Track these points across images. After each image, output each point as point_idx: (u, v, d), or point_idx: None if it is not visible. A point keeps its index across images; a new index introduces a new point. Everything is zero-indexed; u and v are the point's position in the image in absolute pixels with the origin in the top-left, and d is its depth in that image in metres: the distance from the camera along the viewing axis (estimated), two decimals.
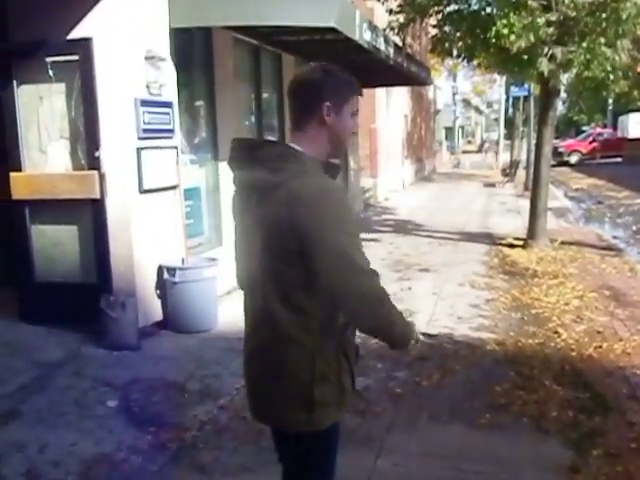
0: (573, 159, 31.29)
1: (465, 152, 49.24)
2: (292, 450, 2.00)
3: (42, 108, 5.45)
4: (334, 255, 1.75)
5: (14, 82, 5.40)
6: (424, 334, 2.11)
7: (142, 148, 5.37)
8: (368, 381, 4.35)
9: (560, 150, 30.85)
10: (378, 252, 9.30)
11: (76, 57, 5.21)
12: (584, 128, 41.98)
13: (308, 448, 1.97)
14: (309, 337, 1.83)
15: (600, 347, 5.09)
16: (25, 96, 5.44)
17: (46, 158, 5.52)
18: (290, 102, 1.94)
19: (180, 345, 5.32)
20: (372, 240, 10.34)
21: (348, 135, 1.97)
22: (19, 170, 5.47)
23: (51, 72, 5.28)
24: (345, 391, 1.93)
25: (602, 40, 7.77)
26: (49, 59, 5.24)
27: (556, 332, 5.48)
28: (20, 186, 5.44)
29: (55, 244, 5.59)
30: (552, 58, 7.93)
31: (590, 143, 32.43)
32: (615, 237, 11.21)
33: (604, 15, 7.54)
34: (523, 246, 9.44)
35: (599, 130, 35.62)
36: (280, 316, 1.83)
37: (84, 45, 5.13)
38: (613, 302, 6.41)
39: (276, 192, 1.79)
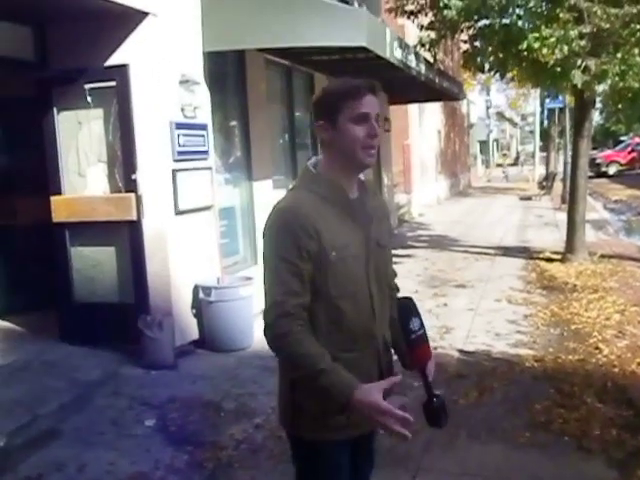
0: (611, 170, 30.66)
1: (500, 165, 48.75)
2: (292, 452, 2.05)
3: (81, 133, 5.60)
4: (264, 269, 1.87)
5: (54, 109, 5.56)
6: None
7: (177, 170, 5.47)
8: (405, 399, 4.29)
9: (598, 161, 30.28)
10: (413, 268, 9.25)
11: (113, 83, 5.36)
12: (622, 138, 41.12)
13: (295, 452, 2.02)
14: None
15: None
16: (65, 122, 5.60)
17: (85, 182, 5.66)
18: None
19: (216, 364, 5.36)
20: (407, 256, 10.30)
21: (359, 144, 1.83)
22: (59, 194, 5.61)
23: (89, 98, 5.42)
24: (330, 412, 1.84)
25: (637, 51, 7.65)
26: (87, 86, 5.39)
27: (597, 348, 5.35)
28: (60, 209, 5.58)
29: (94, 265, 5.71)
30: (586, 70, 7.83)
31: (629, 153, 31.74)
32: None
33: (638, 26, 7.42)
34: (561, 260, 9.28)
35: (638, 140, 34.84)
36: None
37: (121, 71, 5.27)
38: None
39: None
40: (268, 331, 1.81)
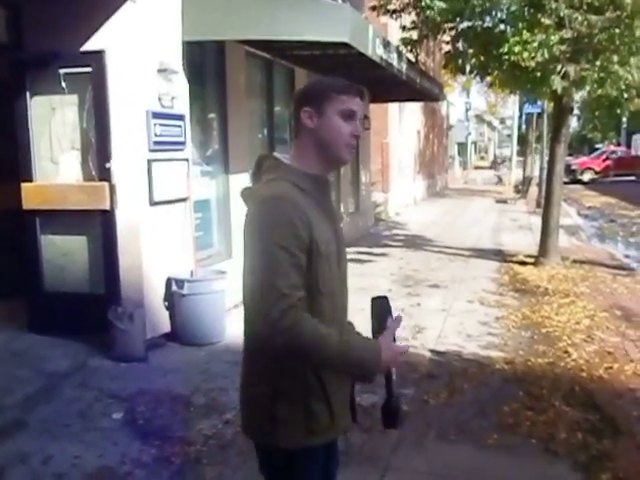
0: (586, 177, 31.11)
1: (477, 168, 49.23)
2: (261, 462, 1.96)
3: (54, 119, 5.49)
4: (254, 265, 1.72)
5: (27, 93, 5.43)
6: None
7: (153, 160, 5.39)
8: (375, 398, 4.29)
9: (573, 168, 30.68)
10: (388, 267, 9.27)
11: (89, 69, 5.26)
12: (598, 146, 41.81)
13: (268, 462, 1.93)
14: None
15: (611, 368, 5.03)
16: (38, 107, 5.48)
17: (57, 169, 5.55)
18: None
19: (187, 357, 5.31)
20: (382, 255, 10.32)
21: (342, 139, 1.83)
22: (30, 180, 5.49)
23: (64, 83, 5.31)
24: (315, 417, 1.82)
25: (615, 58, 7.74)
26: (62, 70, 5.27)
27: (566, 352, 5.42)
28: (31, 196, 5.47)
29: (64, 254, 5.61)
30: (565, 76, 7.90)
31: (603, 161, 32.25)
32: (627, 256, 11.10)
33: (617, 31, 7.51)
34: (534, 264, 9.37)
35: (612, 148, 35.44)
36: (250, 328, 1.81)
37: (97, 57, 5.17)
38: (624, 322, 6.33)
39: (249, 200, 1.84)
40: (275, 325, 1.65)
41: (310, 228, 1.73)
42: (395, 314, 1.88)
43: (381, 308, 1.87)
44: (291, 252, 1.69)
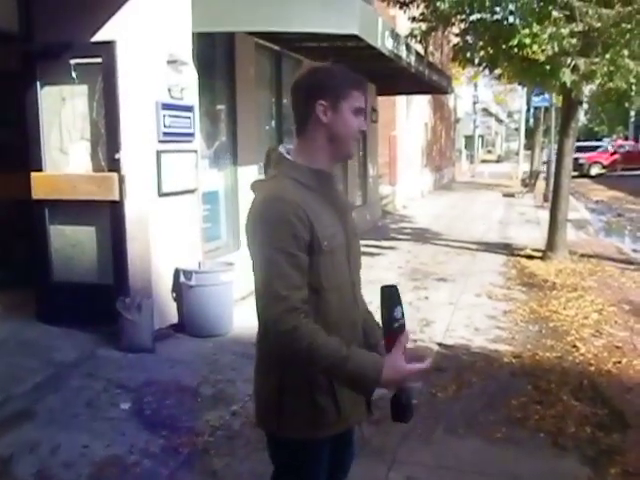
0: (594, 171, 30.96)
1: (484, 161, 49.04)
2: (270, 451, 1.98)
3: (64, 109, 5.49)
4: (256, 266, 1.76)
5: (38, 83, 5.44)
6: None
7: (162, 151, 5.39)
8: (383, 391, 4.29)
9: (581, 162, 30.51)
10: (395, 260, 9.26)
11: (99, 60, 5.25)
12: (604, 140, 41.56)
13: (277, 452, 1.95)
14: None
15: (619, 362, 5.01)
16: (48, 97, 5.48)
17: (67, 159, 5.56)
18: (292, 107, 1.91)
19: (195, 349, 5.32)
20: (389, 248, 10.31)
21: (352, 135, 1.85)
22: (40, 170, 5.50)
23: (74, 74, 5.31)
24: (321, 411, 1.81)
25: (626, 52, 7.68)
26: (73, 61, 5.27)
27: (574, 346, 5.40)
28: (40, 186, 5.48)
29: (73, 244, 5.62)
30: (575, 69, 7.85)
31: (611, 155, 32.07)
32: (635, 250, 11.04)
33: (629, 26, 7.45)
34: (542, 257, 9.34)
35: (620, 142, 35.22)
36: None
37: (107, 48, 5.16)
38: (633, 317, 6.31)
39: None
40: (273, 327, 1.70)
41: (311, 226, 1.73)
42: (402, 311, 1.84)
43: (390, 297, 1.84)
44: (290, 253, 1.69)
